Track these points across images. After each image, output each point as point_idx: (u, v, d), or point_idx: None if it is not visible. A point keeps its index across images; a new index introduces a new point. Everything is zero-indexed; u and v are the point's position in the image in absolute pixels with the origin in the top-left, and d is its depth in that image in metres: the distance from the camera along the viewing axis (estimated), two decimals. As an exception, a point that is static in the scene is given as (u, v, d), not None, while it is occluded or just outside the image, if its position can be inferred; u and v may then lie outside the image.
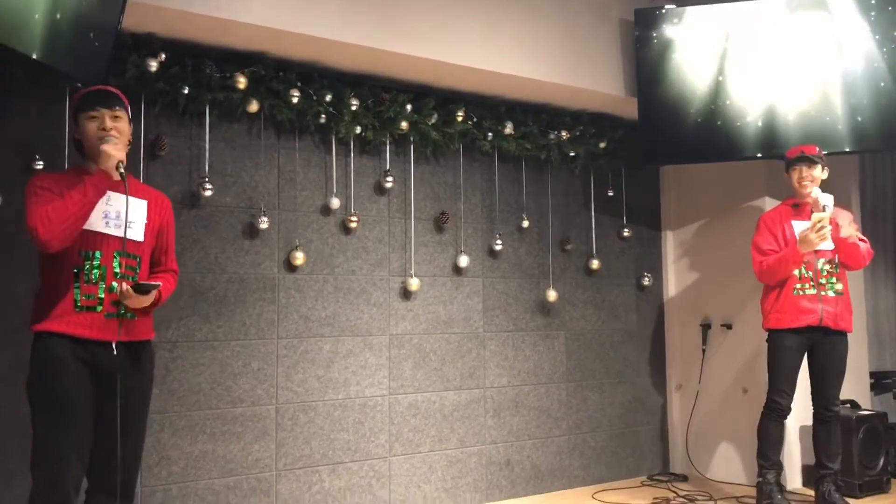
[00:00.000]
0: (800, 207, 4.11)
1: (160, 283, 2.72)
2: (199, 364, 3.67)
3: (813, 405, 4.13)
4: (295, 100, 3.84)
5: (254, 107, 3.77)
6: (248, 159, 3.87)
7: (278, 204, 3.93)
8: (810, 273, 3.98)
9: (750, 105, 4.43)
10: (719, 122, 4.46)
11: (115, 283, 2.64)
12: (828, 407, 4.06)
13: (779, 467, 4.08)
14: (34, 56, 2.72)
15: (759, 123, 4.41)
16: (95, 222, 2.64)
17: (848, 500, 4.13)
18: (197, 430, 3.63)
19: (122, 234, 2.67)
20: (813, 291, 3.97)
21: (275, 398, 3.85)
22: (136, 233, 2.75)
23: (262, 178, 3.89)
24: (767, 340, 4.10)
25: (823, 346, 4.01)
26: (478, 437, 4.47)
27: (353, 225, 4.10)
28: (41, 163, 3.26)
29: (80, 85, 2.95)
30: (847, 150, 4.33)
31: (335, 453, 4.00)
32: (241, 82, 3.69)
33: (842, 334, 4.04)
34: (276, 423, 3.84)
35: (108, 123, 2.66)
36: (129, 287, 2.62)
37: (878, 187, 5.77)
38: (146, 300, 2.67)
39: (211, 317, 3.71)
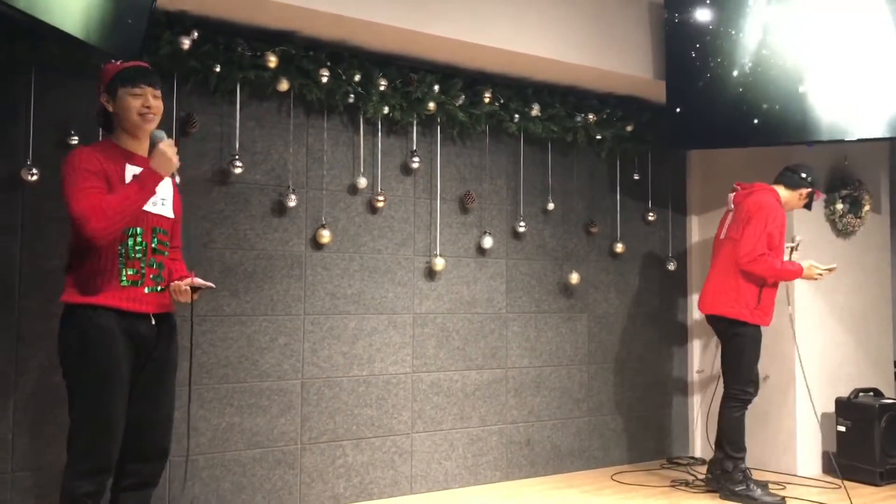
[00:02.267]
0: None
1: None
2: (227, 338, 3.73)
3: (731, 388, 4.21)
4: (324, 79, 3.87)
5: (284, 85, 3.80)
6: (277, 138, 3.91)
7: (306, 182, 3.97)
8: None
9: (783, 89, 4.35)
10: (749, 107, 4.41)
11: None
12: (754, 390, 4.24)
13: (745, 453, 4.22)
14: (71, 33, 2.77)
15: (793, 108, 4.33)
16: None
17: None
18: (224, 403, 3.71)
19: (160, 212, 2.75)
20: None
21: (301, 373, 3.92)
22: (168, 209, 2.82)
23: (290, 157, 3.93)
24: (740, 335, 4.15)
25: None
26: (499, 416, 4.52)
27: (380, 204, 4.14)
28: (76, 138, 3.32)
29: (113, 60, 2.99)
30: (889, 136, 4.23)
31: (359, 428, 4.06)
32: (272, 61, 3.72)
33: None
34: (301, 398, 3.91)
35: (152, 102, 2.71)
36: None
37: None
38: (193, 297, 2.79)
39: (240, 292, 3.77)
